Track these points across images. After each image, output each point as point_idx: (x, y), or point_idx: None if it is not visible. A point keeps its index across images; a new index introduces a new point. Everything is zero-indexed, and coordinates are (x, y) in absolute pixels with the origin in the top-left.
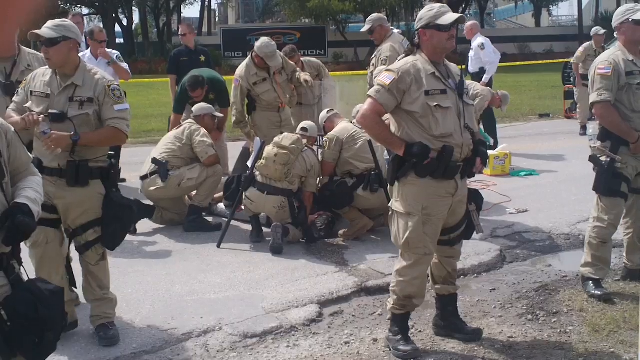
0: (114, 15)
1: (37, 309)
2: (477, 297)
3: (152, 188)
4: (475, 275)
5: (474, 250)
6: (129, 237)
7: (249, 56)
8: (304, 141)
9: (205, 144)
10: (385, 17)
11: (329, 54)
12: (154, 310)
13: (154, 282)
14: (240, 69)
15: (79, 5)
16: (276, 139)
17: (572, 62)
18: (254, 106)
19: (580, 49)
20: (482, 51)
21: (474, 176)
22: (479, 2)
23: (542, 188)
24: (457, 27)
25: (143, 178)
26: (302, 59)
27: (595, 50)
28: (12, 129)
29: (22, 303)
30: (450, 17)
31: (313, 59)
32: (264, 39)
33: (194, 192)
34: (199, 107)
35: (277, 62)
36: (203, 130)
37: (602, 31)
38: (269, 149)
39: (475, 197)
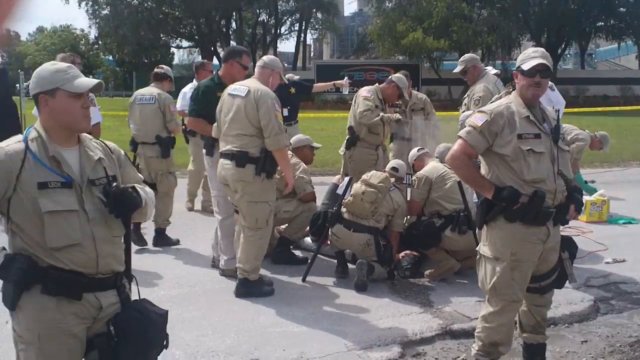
0: (212, 48)
1: (146, 329)
2: (568, 348)
3: None
4: (567, 325)
5: (566, 299)
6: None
7: (375, 85)
8: (392, 180)
9: (304, 180)
10: (478, 58)
11: (422, 91)
12: (238, 340)
13: (240, 311)
14: (368, 90)
15: (179, 38)
16: (364, 177)
17: None
18: (354, 142)
19: None
20: (552, 92)
21: (567, 223)
22: (580, 42)
23: None
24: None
25: None
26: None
27: None
28: (123, 152)
29: (133, 322)
30: (531, 63)
31: (420, 93)
32: (399, 74)
33: (282, 226)
34: (297, 139)
35: (407, 97)
36: (303, 166)
37: None
38: (357, 187)
39: (568, 244)
